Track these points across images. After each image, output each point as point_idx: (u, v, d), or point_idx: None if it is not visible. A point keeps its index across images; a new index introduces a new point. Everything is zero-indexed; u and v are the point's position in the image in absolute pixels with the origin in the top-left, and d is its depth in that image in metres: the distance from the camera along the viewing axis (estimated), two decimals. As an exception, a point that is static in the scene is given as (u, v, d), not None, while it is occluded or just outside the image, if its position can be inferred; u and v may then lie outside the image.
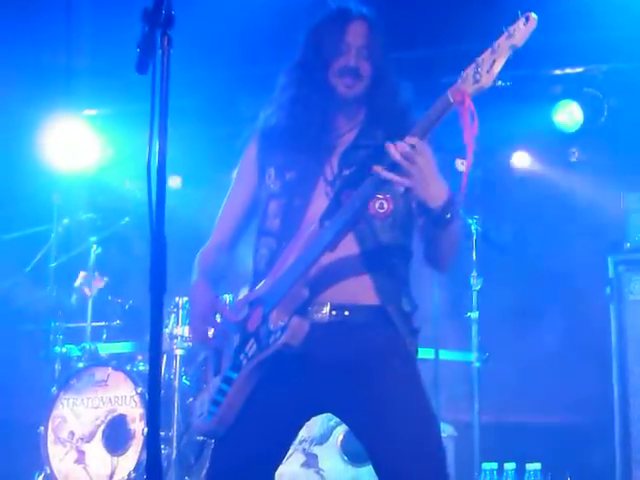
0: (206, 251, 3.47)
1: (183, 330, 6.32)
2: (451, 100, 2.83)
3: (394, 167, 2.90)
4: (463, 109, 2.81)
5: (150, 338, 2.34)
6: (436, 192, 2.94)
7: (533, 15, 2.72)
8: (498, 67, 2.76)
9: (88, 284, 6.81)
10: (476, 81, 2.79)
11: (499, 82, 2.79)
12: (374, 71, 3.29)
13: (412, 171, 2.87)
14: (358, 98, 3.30)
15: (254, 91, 3.51)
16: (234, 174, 3.52)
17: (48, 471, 6.30)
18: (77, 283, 6.85)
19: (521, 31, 2.73)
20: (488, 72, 2.77)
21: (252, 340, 3.17)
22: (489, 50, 2.78)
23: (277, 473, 3.28)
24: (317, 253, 3.06)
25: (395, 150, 2.88)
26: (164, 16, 2.45)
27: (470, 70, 2.81)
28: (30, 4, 6.53)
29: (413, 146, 2.86)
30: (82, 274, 6.86)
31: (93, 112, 7.92)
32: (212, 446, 3.35)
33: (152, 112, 2.44)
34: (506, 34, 2.74)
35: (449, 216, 2.97)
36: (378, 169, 2.92)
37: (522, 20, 2.73)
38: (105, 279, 6.87)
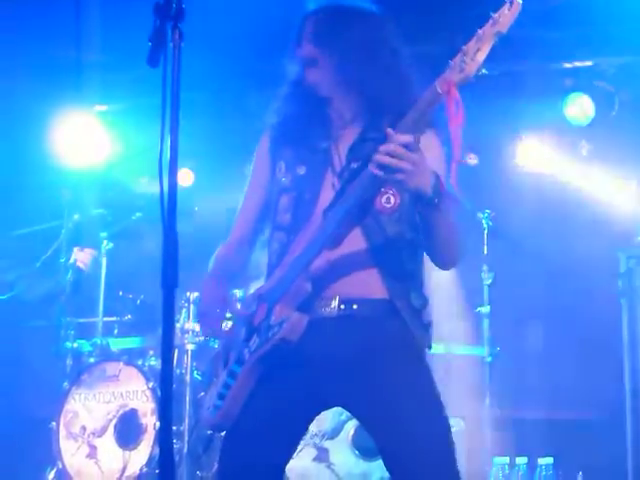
0: (226, 246, 3.48)
1: (194, 325, 6.34)
2: (439, 90, 2.82)
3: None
4: (448, 98, 2.80)
5: (162, 333, 2.34)
6: (424, 179, 2.93)
7: (518, 0, 2.72)
8: (482, 55, 2.76)
9: (82, 259, 6.85)
10: (461, 70, 2.78)
11: (483, 70, 2.79)
12: (334, 56, 3.27)
13: (402, 166, 2.87)
14: (328, 85, 3.30)
15: (264, 85, 3.51)
16: (249, 168, 3.52)
17: (60, 466, 6.32)
18: (72, 260, 6.86)
19: (506, 17, 2.72)
20: (473, 60, 2.76)
21: (255, 335, 3.19)
22: (474, 38, 2.77)
23: (288, 467, 3.29)
24: (319, 245, 3.07)
25: (379, 154, 2.88)
26: (175, 9, 2.45)
27: (457, 60, 2.80)
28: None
29: (406, 144, 2.86)
30: (76, 250, 6.88)
31: (103, 107, 7.92)
32: (221, 440, 3.36)
33: (163, 106, 2.44)
34: (491, 21, 2.74)
35: (437, 200, 2.96)
36: (371, 166, 2.92)
37: (507, 5, 2.73)
38: (94, 252, 6.89)
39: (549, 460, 5.87)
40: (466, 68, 2.77)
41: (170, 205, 2.33)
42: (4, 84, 7.07)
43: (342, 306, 3.15)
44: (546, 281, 7.35)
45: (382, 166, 2.87)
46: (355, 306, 3.15)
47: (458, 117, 2.80)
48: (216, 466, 5.26)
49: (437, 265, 3.28)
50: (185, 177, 7.82)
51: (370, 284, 3.16)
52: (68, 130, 7.59)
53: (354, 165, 3.18)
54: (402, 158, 2.85)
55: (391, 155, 2.85)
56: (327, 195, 3.18)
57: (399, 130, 2.88)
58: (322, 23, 3.32)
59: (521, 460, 5.91)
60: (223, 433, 3.34)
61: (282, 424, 3.18)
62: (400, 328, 3.15)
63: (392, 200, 3.18)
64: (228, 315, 3.38)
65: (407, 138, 2.86)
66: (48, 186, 7.43)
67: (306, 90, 3.33)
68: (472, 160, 7.11)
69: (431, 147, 3.11)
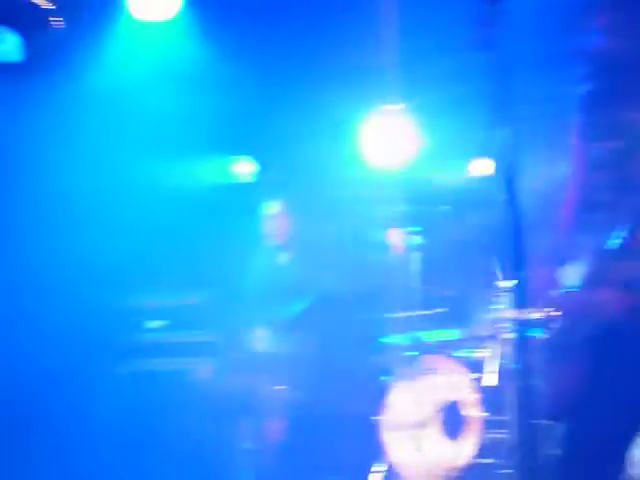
0: (551, 228, 3.44)
1: (515, 313, 6.28)
2: None
3: None
4: None
5: (509, 323, 2.34)
6: None
7: None
8: None
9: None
10: None
11: None
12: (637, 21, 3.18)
13: None
14: (634, 52, 3.19)
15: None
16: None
17: (387, 459, 6.44)
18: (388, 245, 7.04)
19: None
20: None
21: (577, 318, 3.13)
22: None
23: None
24: None
25: None
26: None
27: None
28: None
29: None
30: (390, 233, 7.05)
31: (405, 105, 8.01)
32: (556, 428, 3.33)
33: (492, 95, 2.44)
34: None
35: None
36: None
37: None
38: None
39: None
40: None
41: (511, 195, 2.32)
42: (317, 92, 7.35)
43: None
44: None
45: None
46: None
47: None
48: (548, 456, 5.22)
49: None
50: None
51: None
52: (376, 129, 7.76)
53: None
54: None
55: None
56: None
57: None
58: None
59: None
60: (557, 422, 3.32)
61: (624, 406, 3.12)
62: None
63: None
64: (556, 299, 3.35)
65: None
66: (356, 184, 7.64)
67: (610, 60, 3.24)
68: None
69: None
